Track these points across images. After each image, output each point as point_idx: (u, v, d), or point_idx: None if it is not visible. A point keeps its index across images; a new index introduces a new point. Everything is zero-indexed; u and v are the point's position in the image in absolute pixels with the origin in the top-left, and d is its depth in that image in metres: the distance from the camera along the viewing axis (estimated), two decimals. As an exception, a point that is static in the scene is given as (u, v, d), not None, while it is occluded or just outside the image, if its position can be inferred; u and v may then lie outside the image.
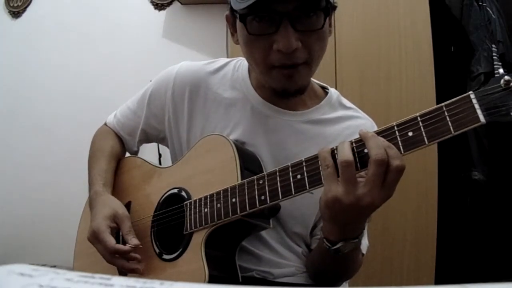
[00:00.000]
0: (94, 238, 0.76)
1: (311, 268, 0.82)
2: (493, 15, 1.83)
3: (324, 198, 0.60)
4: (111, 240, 0.74)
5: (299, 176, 0.63)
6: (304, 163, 0.63)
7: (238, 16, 0.71)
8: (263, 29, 0.69)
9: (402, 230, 1.65)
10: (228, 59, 0.92)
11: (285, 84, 0.74)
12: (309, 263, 0.82)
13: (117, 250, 0.74)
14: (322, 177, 0.60)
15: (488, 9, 1.83)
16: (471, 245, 1.79)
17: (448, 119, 0.53)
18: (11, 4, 2.71)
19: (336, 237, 0.65)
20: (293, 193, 0.63)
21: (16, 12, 2.69)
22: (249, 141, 0.82)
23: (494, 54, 1.77)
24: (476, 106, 0.51)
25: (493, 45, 1.78)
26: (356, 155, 0.58)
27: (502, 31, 1.82)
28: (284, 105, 0.83)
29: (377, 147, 0.55)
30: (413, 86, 1.71)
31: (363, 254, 0.80)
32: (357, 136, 0.60)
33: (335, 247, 0.65)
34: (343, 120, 0.85)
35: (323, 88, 0.90)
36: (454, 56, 1.90)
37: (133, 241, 0.75)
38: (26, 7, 2.68)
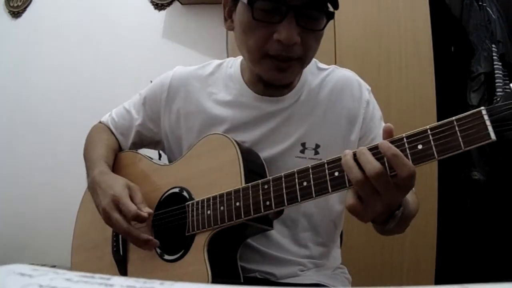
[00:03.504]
0: (114, 205, 0.74)
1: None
2: (493, 15, 1.82)
3: (372, 215, 0.59)
4: (133, 206, 0.73)
5: (305, 184, 0.63)
6: (310, 170, 0.63)
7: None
8: (267, 17, 0.70)
9: (402, 230, 1.65)
10: (220, 61, 0.94)
11: (273, 75, 0.76)
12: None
13: (138, 215, 0.72)
14: (356, 189, 0.58)
15: (488, 9, 1.83)
16: (471, 245, 1.79)
17: (458, 134, 0.52)
18: (11, 4, 2.70)
19: (384, 219, 0.63)
20: (299, 200, 0.63)
21: (16, 12, 2.69)
22: (247, 139, 0.83)
23: (494, 54, 1.77)
24: (488, 122, 0.50)
25: (493, 45, 1.78)
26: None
27: (502, 31, 1.81)
28: (277, 93, 0.84)
29: (369, 163, 0.55)
30: (413, 86, 1.70)
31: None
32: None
33: (387, 228, 0.64)
34: (326, 82, 0.87)
35: None
36: (454, 56, 1.90)
37: (147, 209, 0.75)
38: (26, 7, 2.68)
